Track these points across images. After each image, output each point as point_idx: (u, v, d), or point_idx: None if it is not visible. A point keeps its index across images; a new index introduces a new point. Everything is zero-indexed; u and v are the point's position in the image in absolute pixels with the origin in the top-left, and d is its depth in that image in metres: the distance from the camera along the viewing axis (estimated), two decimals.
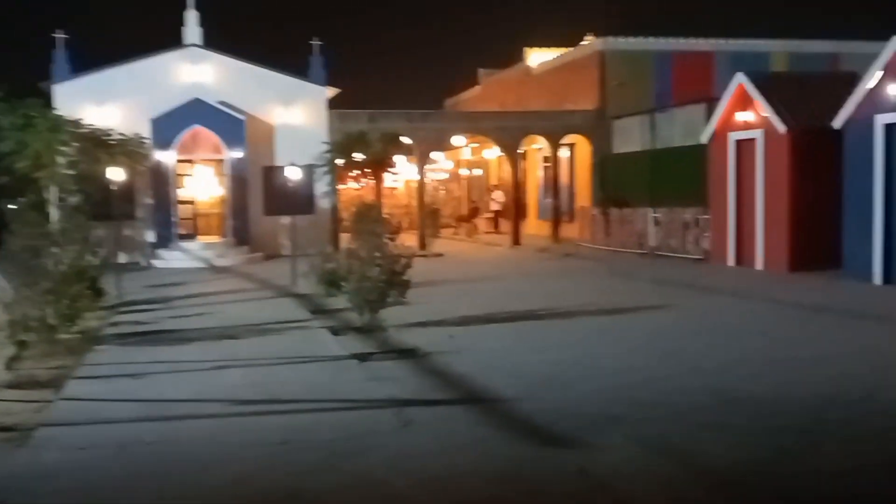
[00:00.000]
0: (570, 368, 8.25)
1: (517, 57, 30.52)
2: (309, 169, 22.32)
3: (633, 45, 25.21)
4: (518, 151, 24.82)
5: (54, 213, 16.02)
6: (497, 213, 29.59)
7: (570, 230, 24.62)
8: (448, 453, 5.71)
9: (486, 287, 15.15)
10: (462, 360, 8.55)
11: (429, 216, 22.30)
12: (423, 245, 21.55)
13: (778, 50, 25.90)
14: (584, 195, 25.25)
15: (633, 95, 24.49)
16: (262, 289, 15.61)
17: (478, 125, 24.30)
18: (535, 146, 26.75)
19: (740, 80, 16.26)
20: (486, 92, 33.06)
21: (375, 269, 10.27)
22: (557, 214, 24.67)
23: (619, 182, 23.30)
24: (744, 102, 16.19)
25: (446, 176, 34.97)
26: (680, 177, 19.72)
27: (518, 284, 15.52)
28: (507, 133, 24.18)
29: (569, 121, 24.70)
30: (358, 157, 20.80)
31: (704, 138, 17.37)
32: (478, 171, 32.63)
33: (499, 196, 29.70)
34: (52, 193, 15.66)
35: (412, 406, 6.89)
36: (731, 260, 16.46)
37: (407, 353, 8.94)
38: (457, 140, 24.99)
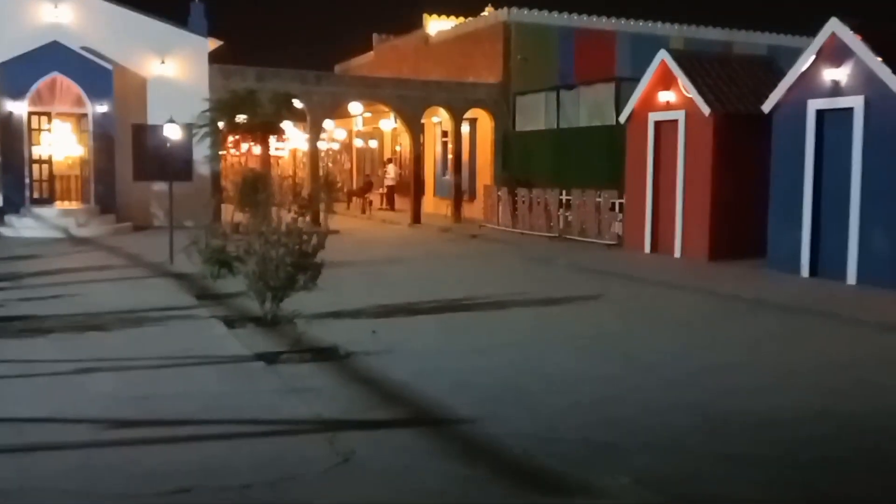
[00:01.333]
0: (525, 375, 6.97)
1: (415, 24, 28.94)
2: (188, 129, 20.11)
3: (537, 19, 24.19)
4: (418, 123, 23.32)
5: None
6: (391, 188, 28.02)
7: (471, 210, 23.44)
8: None
9: (395, 270, 13.68)
10: (394, 363, 7.09)
11: (324, 189, 20.39)
12: (316, 221, 19.67)
13: (675, 34, 25.63)
14: (485, 174, 24.13)
15: (537, 71, 23.54)
16: (133, 266, 13.46)
17: (377, 92, 22.57)
18: (434, 119, 25.34)
19: (663, 57, 15.44)
20: (380, 59, 31.30)
21: (280, 248, 8.53)
22: (459, 193, 23.42)
23: (523, 161, 22.31)
24: (666, 81, 15.40)
25: (337, 146, 33.00)
26: (592, 158, 18.88)
27: (430, 268, 14.15)
28: (408, 102, 22.61)
29: (472, 94, 23.44)
30: (241, 118, 18.64)
31: (622, 118, 16.51)
32: (373, 143, 30.86)
33: (392, 171, 28.14)
34: None
35: (347, 430, 5.39)
36: (646, 247, 15.72)
37: (325, 354, 7.38)
38: (354, 107, 23.19)
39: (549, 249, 16.44)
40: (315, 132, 21.36)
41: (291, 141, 27.42)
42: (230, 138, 21.95)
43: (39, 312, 8.86)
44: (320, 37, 47.64)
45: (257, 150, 24.10)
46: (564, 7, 24.72)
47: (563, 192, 18.18)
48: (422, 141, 23.60)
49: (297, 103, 20.74)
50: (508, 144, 23.13)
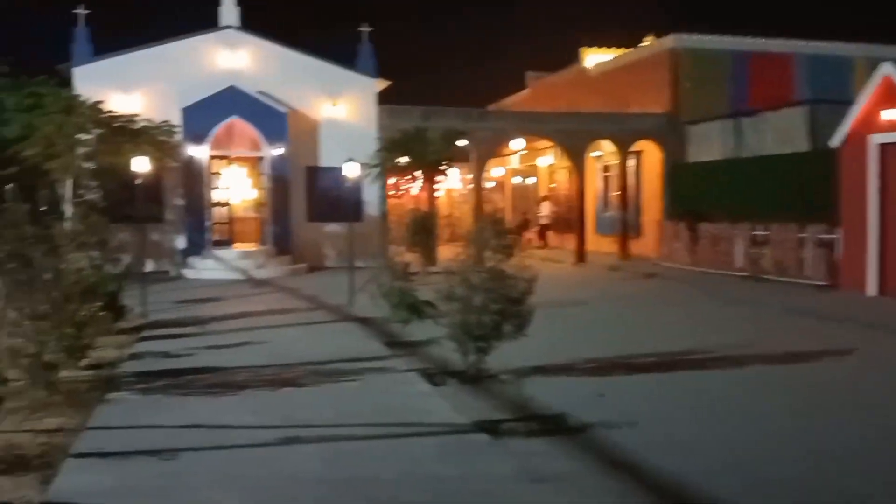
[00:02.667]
0: (835, 468, 5.56)
1: (568, 59, 28.23)
2: (358, 170, 20.29)
3: (708, 44, 22.87)
4: (582, 157, 22.45)
5: (69, 212, 13.80)
6: (544, 226, 27.24)
7: (638, 246, 22.23)
8: None
9: (580, 313, 12.79)
10: (648, 442, 5.85)
11: (491, 228, 19.68)
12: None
13: (860, 54, 23.42)
14: (651, 208, 22.86)
15: (707, 98, 22.20)
16: (314, 309, 13.31)
17: (540, 127, 21.96)
18: (593, 154, 24.40)
19: (887, 72, 13.81)
20: (535, 95, 30.74)
21: (485, 293, 7.83)
22: (625, 229, 22.28)
23: (696, 194, 20.89)
24: (892, 99, 13.74)
25: (492, 185, 32.65)
26: (785, 188, 17.28)
27: (617, 311, 13.15)
28: (572, 136, 21.83)
29: (638, 124, 22.34)
30: (404, 160, 18.46)
31: (834, 142, 14.91)
32: (531, 180, 30.23)
33: (547, 208, 27.39)
34: (67, 189, 13.31)
35: None
36: (870, 287, 13.90)
37: (554, 424, 6.32)
38: (516, 143, 22.66)
39: (746, 290, 15.00)
40: (479, 170, 20.96)
41: (447, 180, 27.27)
42: (393, 179, 21.97)
43: (228, 363, 8.52)
44: (472, 77, 47.71)
45: (416, 189, 24.11)
46: (728, 30, 23.26)
47: (755, 227, 16.66)
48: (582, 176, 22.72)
49: (460, 142, 20.45)
50: (679, 177, 21.80)
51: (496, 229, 8.88)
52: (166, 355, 9.01)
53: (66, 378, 7.55)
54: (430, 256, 18.04)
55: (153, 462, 5.44)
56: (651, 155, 22.92)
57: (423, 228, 17.80)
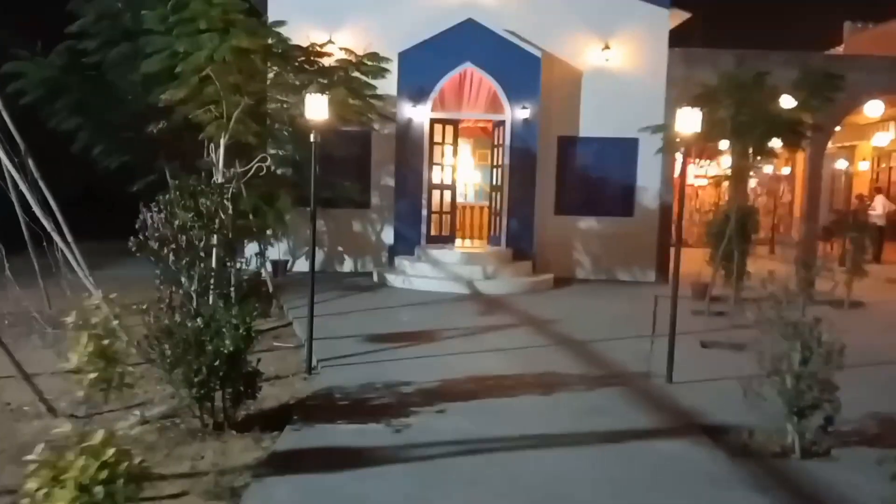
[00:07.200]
0: None
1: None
2: (626, 142, 14.41)
3: None
4: None
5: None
6: (880, 229, 19.36)
7: None
8: None
9: None
10: None
11: (857, 229, 12.47)
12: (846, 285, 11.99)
13: None
14: None
15: None
16: (595, 378, 7.47)
17: None
18: None
19: None
20: (855, 51, 22.78)
21: None
22: None
23: None
24: None
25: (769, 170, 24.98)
26: None
27: None
28: None
29: None
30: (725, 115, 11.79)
31: None
32: (842, 164, 22.40)
33: (882, 205, 19.54)
34: (220, 153, 8.42)
35: None
36: None
37: None
38: (872, 108, 15.40)
39: None
40: (824, 142, 14.04)
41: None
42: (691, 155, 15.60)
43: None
44: (764, 25, 36.93)
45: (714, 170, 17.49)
46: None
47: None
48: None
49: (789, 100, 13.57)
50: None
51: None
52: (354, 418, 5.36)
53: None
54: (740, 274, 11.66)
55: None
56: None
57: (740, 232, 11.39)
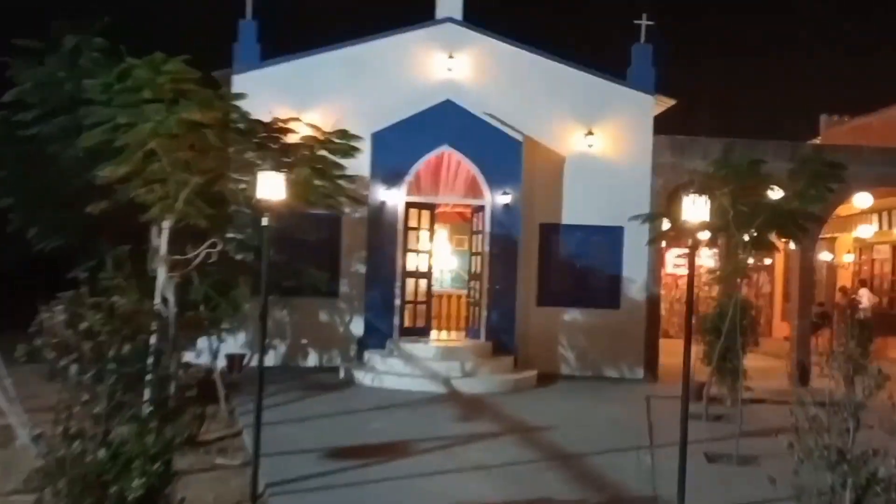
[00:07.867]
0: None
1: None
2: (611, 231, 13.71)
3: None
4: None
5: (160, 276, 7.74)
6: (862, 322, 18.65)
7: None
8: None
9: None
10: None
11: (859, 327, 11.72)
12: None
13: None
14: None
15: None
16: (590, 494, 6.44)
17: None
18: None
19: None
20: (831, 142, 22.76)
21: None
22: None
23: None
24: None
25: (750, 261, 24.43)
26: None
27: None
28: None
29: None
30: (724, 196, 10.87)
31: None
32: (826, 256, 21.87)
33: (866, 297, 18.95)
34: (163, 236, 7.30)
35: None
36: None
37: None
38: (860, 199, 14.89)
39: None
40: (814, 234, 13.41)
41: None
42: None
43: None
44: (756, 114, 35.53)
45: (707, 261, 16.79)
46: None
47: None
48: None
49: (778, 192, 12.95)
50: None
51: None
52: None
53: None
54: (735, 375, 10.73)
55: None
56: None
57: (741, 325, 10.50)
